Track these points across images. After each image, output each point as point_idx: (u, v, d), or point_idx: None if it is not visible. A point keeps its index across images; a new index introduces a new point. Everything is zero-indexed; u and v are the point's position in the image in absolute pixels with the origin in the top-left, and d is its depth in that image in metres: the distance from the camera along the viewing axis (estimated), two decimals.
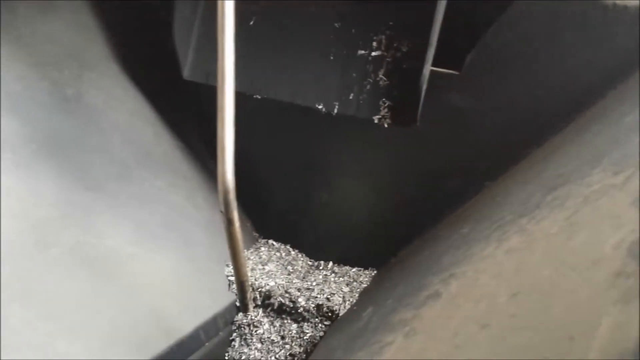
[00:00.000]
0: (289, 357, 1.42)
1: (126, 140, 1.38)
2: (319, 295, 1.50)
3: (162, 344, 1.15)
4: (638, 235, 0.53)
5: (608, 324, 0.44)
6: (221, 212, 1.02)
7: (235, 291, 1.39)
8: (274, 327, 1.48)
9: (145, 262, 1.28)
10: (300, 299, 1.48)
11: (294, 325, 1.49)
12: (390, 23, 1.33)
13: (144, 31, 1.51)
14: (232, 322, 1.45)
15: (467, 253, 0.99)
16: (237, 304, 1.42)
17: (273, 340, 1.45)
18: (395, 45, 1.33)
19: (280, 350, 1.43)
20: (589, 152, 0.95)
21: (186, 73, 1.42)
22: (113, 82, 1.40)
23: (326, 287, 1.55)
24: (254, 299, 1.48)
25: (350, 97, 1.37)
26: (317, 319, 1.48)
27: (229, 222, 1.03)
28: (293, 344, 1.44)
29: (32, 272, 1.05)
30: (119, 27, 1.46)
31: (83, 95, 1.31)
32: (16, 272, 1.01)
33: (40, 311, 1.01)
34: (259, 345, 1.45)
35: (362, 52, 1.36)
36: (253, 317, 1.47)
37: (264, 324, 1.47)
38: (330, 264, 1.68)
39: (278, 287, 1.49)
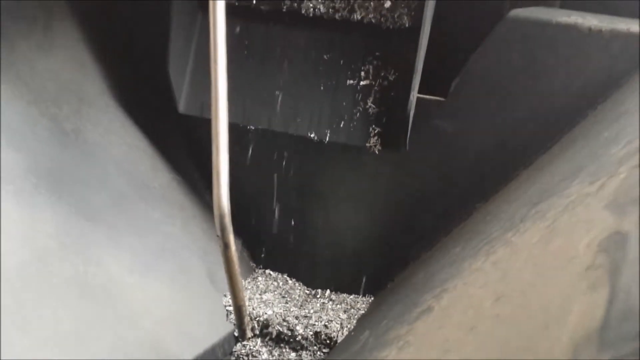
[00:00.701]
0: None
1: (123, 172, 1.43)
2: (316, 323, 1.53)
3: None
4: (608, 232, 0.57)
5: (578, 310, 0.48)
6: (217, 236, 1.06)
7: (234, 321, 1.42)
8: (273, 356, 1.50)
9: (143, 292, 1.31)
10: (298, 327, 1.50)
11: (293, 354, 1.51)
12: (377, 53, 1.40)
13: (140, 67, 1.58)
14: (231, 353, 1.47)
15: (459, 269, 1.03)
16: (236, 333, 1.44)
17: None
18: (382, 74, 1.40)
19: None
20: (570, 167, 1.01)
21: (181, 107, 1.48)
22: (110, 117, 1.46)
23: (324, 314, 1.57)
24: (252, 329, 1.50)
25: (341, 125, 1.43)
26: (315, 347, 1.50)
27: (226, 246, 1.07)
28: None
29: (33, 302, 1.08)
30: (115, 63, 1.53)
31: (81, 129, 1.36)
32: (17, 301, 1.04)
33: (39, 340, 1.04)
34: None
35: (351, 81, 1.42)
36: (252, 347, 1.49)
37: (263, 354, 1.49)
38: (328, 291, 1.71)
39: (276, 315, 1.52)
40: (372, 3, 1.38)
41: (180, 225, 1.55)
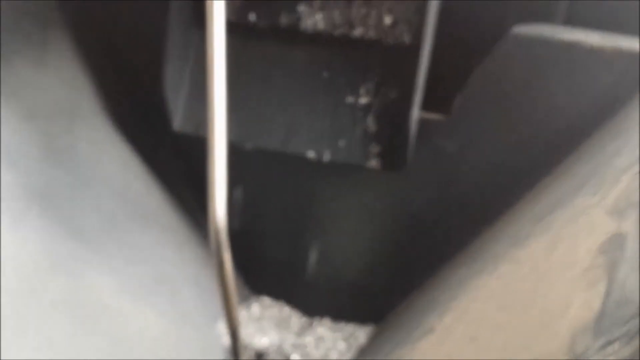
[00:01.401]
0: None
1: (116, 192, 1.47)
2: (314, 352, 1.54)
3: None
4: (608, 235, 0.61)
5: (576, 306, 0.51)
6: (213, 253, 1.09)
7: (227, 346, 1.43)
8: None
9: (134, 316, 1.33)
10: (295, 356, 1.52)
11: None
12: (377, 71, 1.45)
13: (134, 85, 1.63)
14: None
15: (463, 288, 1.06)
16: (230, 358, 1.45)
17: None
18: (382, 91, 1.45)
19: None
20: (574, 182, 1.05)
21: (176, 125, 1.52)
22: (104, 135, 1.51)
23: (322, 343, 1.59)
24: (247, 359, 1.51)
25: (341, 144, 1.47)
26: None
27: (220, 264, 1.10)
28: None
29: (21, 322, 1.10)
30: (109, 81, 1.58)
31: (74, 147, 1.40)
32: (5, 321, 1.06)
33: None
34: None
35: (351, 99, 1.47)
36: None
37: None
38: (326, 319, 1.73)
39: (271, 344, 1.53)
40: (372, 19, 1.43)
41: (173, 248, 1.58)
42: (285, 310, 1.73)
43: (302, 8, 1.45)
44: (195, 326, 1.49)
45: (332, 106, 1.48)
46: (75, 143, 1.42)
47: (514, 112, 1.40)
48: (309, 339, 1.60)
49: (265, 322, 1.64)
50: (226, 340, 1.47)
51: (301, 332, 1.65)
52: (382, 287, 1.69)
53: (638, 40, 1.32)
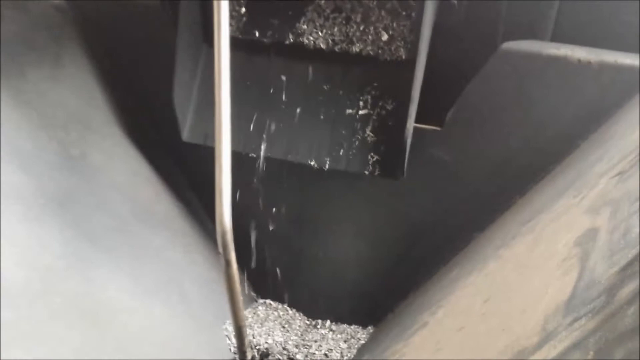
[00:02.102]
0: None
1: (127, 197, 1.51)
2: (316, 352, 1.57)
3: None
4: (583, 230, 0.65)
5: (551, 291, 0.54)
6: (219, 253, 1.13)
7: (234, 346, 1.46)
8: None
9: (144, 316, 1.37)
10: (298, 356, 1.55)
11: None
12: (375, 84, 1.50)
13: (144, 97, 1.68)
14: None
15: (454, 287, 1.09)
16: (236, 357, 1.49)
17: None
18: (380, 104, 1.49)
19: None
20: (559, 188, 1.08)
21: (185, 135, 1.57)
22: (115, 144, 1.55)
23: (324, 344, 1.62)
24: (253, 358, 1.54)
25: (341, 153, 1.51)
26: None
27: (227, 264, 1.14)
28: None
29: (35, 319, 1.13)
30: (121, 93, 1.63)
31: (87, 155, 1.45)
32: (19, 317, 1.10)
33: (40, 358, 1.09)
34: None
35: (350, 111, 1.52)
36: None
37: None
38: (328, 322, 1.76)
39: (276, 344, 1.57)
40: (370, 36, 1.48)
41: (181, 251, 1.61)
42: (289, 313, 1.77)
43: (304, 26, 1.50)
44: (203, 326, 1.52)
45: (333, 117, 1.53)
46: (89, 151, 1.46)
47: (505, 123, 1.44)
48: (311, 340, 1.63)
49: (270, 323, 1.67)
50: (233, 339, 1.51)
51: (304, 334, 1.68)
52: (381, 291, 1.72)
53: (624, 54, 1.36)
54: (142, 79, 1.68)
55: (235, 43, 1.50)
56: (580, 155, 1.20)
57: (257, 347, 1.54)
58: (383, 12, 1.47)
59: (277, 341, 1.57)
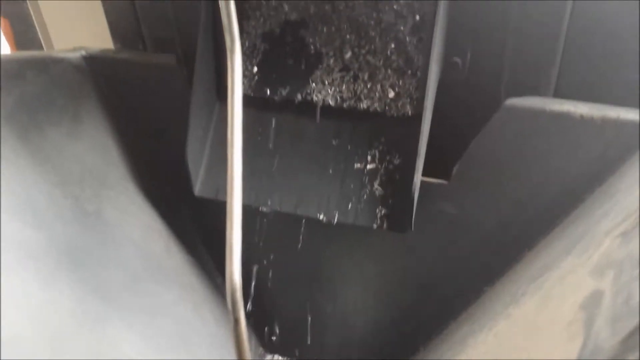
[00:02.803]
0: None
1: (139, 254, 1.52)
2: None
3: None
4: (588, 292, 0.65)
5: (556, 356, 0.54)
6: (229, 310, 1.13)
7: None
8: None
9: None
10: None
11: None
12: (383, 139, 1.53)
13: (158, 152, 1.72)
14: None
15: (464, 345, 1.08)
16: None
17: None
18: (387, 158, 1.52)
19: None
20: (567, 244, 1.09)
21: (197, 190, 1.59)
22: (129, 200, 1.58)
23: None
24: None
25: (349, 207, 1.53)
26: None
27: (236, 322, 1.13)
28: None
29: None
30: (136, 149, 1.67)
31: (101, 211, 1.47)
32: None
33: None
34: None
35: (358, 165, 1.54)
36: None
37: None
38: None
39: None
40: (377, 93, 1.52)
41: (191, 308, 1.62)
42: None
43: (313, 84, 1.54)
44: None
45: (341, 172, 1.55)
46: (103, 207, 1.49)
47: (510, 178, 1.46)
48: None
49: None
50: None
51: None
52: (391, 347, 1.71)
53: (627, 109, 1.38)
54: (157, 134, 1.73)
55: (247, 100, 1.54)
56: (587, 210, 1.21)
57: None
58: (389, 71, 1.51)
59: None
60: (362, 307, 1.72)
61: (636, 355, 0.41)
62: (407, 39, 1.47)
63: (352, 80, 1.54)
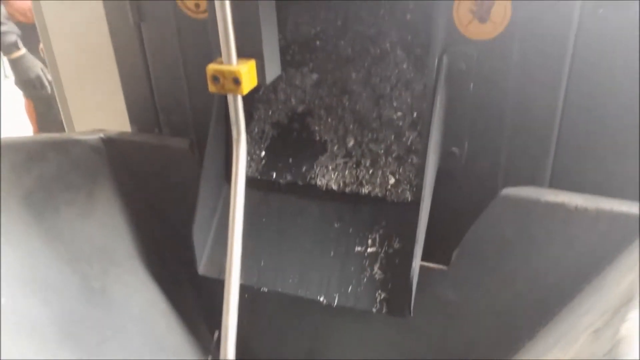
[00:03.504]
0: None
1: (141, 331, 1.57)
2: None
3: None
4: None
5: None
6: None
7: None
8: None
9: None
10: None
11: None
12: (383, 223, 1.59)
13: (167, 230, 1.79)
14: None
15: None
16: None
17: None
18: (387, 242, 1.57)
19: None
20: (556, 336, 1.11)
21: (201, 269, 1.65)
22: (134, 277, 1.64)
23: None
24: None
25: (349, 290, 1.57)
26: None
27: None
28: None
29: None
30: (144, 229, 1.75)
31: (106, 288, 1.54)
32: None
33: None
34: None
35: (359, 248, 1.59)
36: None
37: None
38: None
39: None
40: (378, 179, 1.59)
41: None
42: None
43: (317, 169, 1.63)
44: None
45: (342, 254, 1.60)
46: (108, 283, 1.56)
47: (508, 265, 1.49)
48: None
49: None
50: None
51: None
52: None
53: (622, 202, 1.42)
54: (166, 214, 1.81)
55: (254, 183, 1.64)
56: (577, 303, 1.24)
57: None
58: (390, 159, 1.59)
59: None
60: None
61: None
62: (407, 132, 1.57)
63: (354, 166, 1.62)
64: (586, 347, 0.74)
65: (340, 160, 1.64)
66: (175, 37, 1.64)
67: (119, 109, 1.83)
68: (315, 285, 1.60)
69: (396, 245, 1.57)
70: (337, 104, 1.63)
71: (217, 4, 1.18)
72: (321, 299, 1.59)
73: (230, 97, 1.35)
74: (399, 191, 1.58)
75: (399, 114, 1.57)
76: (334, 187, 1.63)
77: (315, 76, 1.64)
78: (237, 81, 1.27)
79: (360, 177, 1.61)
